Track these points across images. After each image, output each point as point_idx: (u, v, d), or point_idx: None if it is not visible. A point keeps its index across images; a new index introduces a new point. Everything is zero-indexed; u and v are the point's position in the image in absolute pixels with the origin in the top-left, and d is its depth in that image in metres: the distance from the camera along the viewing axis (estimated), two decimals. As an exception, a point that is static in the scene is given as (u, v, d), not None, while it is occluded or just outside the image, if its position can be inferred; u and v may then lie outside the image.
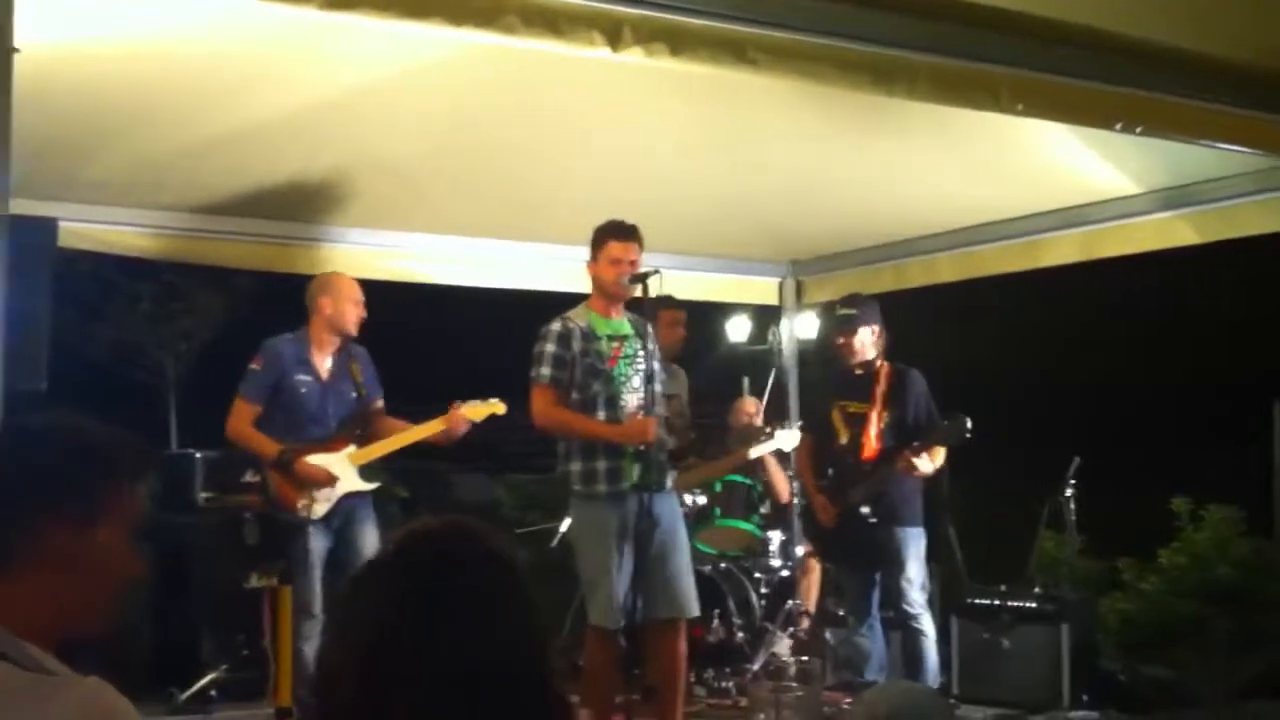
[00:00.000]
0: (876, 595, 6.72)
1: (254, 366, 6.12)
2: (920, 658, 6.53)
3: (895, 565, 6.50)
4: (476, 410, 6.25)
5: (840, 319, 6.64)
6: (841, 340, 6.61)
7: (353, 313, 6.17)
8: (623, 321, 5.77)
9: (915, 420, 6.61)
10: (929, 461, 6.42)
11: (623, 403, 5.64)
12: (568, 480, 5.69)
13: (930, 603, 6.79)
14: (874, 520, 6.48)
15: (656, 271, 5.57)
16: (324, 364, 6.19)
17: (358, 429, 6.21)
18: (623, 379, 5.67)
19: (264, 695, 6.51)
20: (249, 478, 7.51)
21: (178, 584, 7.55)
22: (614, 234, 5.66)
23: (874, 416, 6.57)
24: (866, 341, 6.60)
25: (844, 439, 6.65)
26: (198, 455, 7.78)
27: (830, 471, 6.73)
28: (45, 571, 1.87)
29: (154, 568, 7.55)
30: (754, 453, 7.49)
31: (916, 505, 6.64)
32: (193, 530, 7.61)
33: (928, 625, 6.55)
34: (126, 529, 1.95)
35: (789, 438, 7.34)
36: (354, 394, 6.21)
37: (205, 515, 7.61)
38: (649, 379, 5.60)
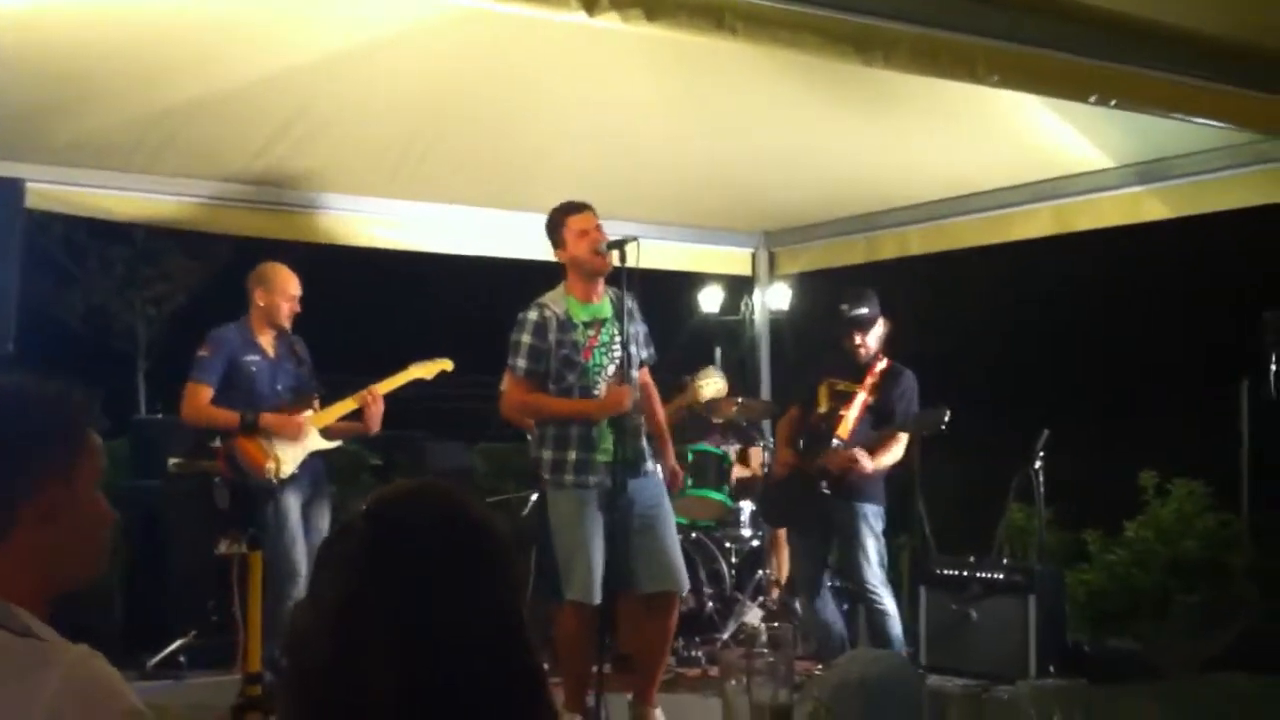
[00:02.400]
0: (826, 570, 6.78)
1: (203, 353, 6.29)
2: (883, 635, 6.54)
3: (850, 540, 6.51)
4: (427, 368, 6.55)
5: (852, 320, 6.58)
6: (858, 341, 6.57)
7: (285, 307, 6.37)
8: (602, 303, 5.72)
9: (892, 412, 6.64)
10: (869, 461, 6.42)
11: (597, 393, 5.63)
12: (538, 467, 5.71)
13: (894, 579, 6.82)
14: (827, 491, 6.46)
15: (635, 239, 5.53)
16: (269, 345, 6.39)
17: (312, 398, 6.39)
18: (597, 370, 5.66)
19: (233, 661, 6.50)
20: (219, 443, 7.50)
21: (147, 549, 7.53)
22: (569, 210, 5.62)
23: (859, 398, 6.56)
24: (878, 336, 6.64)
25: (823, 409, 6.66)
26: (167, 421, 7.74)
27: (804, 438, 6.73)
28: (31, 531, 1.89)
29: (123, 533, 7.53)
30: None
31: (878, 482, 6.64)
32: (162, 496, 7.57)
33: (889, 603, 6.56)
34: (96, 473, 1.97)
35: (710, 387, 7.36)
36: (299, 369, 6.40)
37: (174, 481, 7.55)
38: (624, 364, 5.59)
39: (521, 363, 5.59)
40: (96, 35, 4.69)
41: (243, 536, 6.74)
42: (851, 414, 6.55)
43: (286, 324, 6.38)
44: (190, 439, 7.61)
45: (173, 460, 7.55)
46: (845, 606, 7.15)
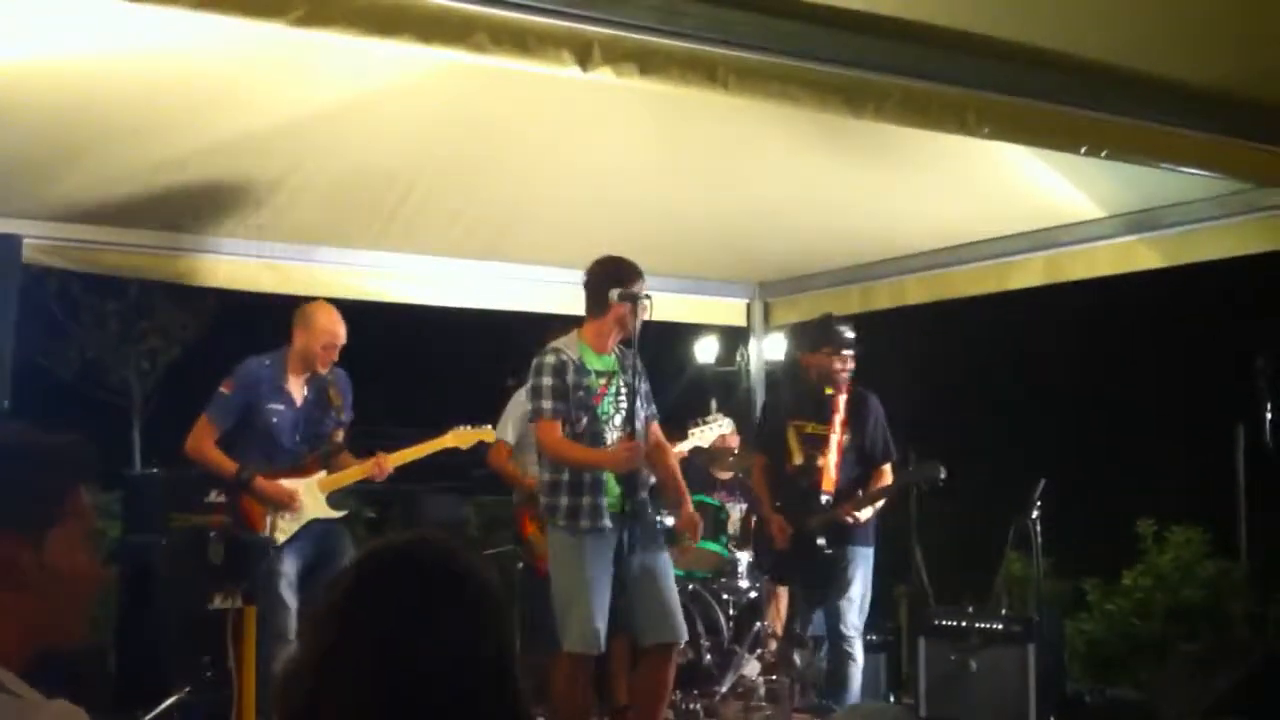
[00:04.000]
0: (818, 617, 6.75)
1: (224, 390, 6.10)
2: (846, 683, 6.52)
3: (844, 586, 6.53)
4: (464, 437, 6.49)
5: (847, 341, 6.55)
6: (845, 367, 6.53)
7: (321, 356, 6.13)
8: (611, 356, 5.76)
9: (872, 446, 6.64)
10: (869, 511, 6.47)
11: (606, 440, 5.64)
12: (553, 513, 5.66)
13: (894, 629, 6.78)
14: (829, 551, 6.47)
15: (648, 296, 5.58)
16: (299, 390, 6.18)
17: (331, 454, 6.21)
18: (606, 417, 5.68)
19: (228, 717, 6.45)
20: (213, 498, 7.47)
21: (141, 604, 7.48)
22: (638, 275, 5.63)
23: (834, 442, 6.51)
24: (849, 365, 6.58)
25: (798, 459, 6.60)
26: (161, 475, 7.70)
27: (784, 495, 6.67)
28: (4, 588, 1.85)
29: (118, 588, 7.49)
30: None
31: (869, 525, 6.64)
32: (156, 550, 7.52)
33: (859, 651, 6.57)
34: (82, 533, 1.92)
35: (707, 434, 7.18)
36: (328, 419, 6.20)
37: (169, 535, 7.52)
38: (630, 418, 5.61)
39: (547, 404, 5.59)
40: (90, 91, 4.72)
41: (237, 591, 6.71)
42: (830, 460, 6.48)
43: (322, 369, 6.16)
44: (186, 493, 7.60)
45: (168, 514, 7.53)
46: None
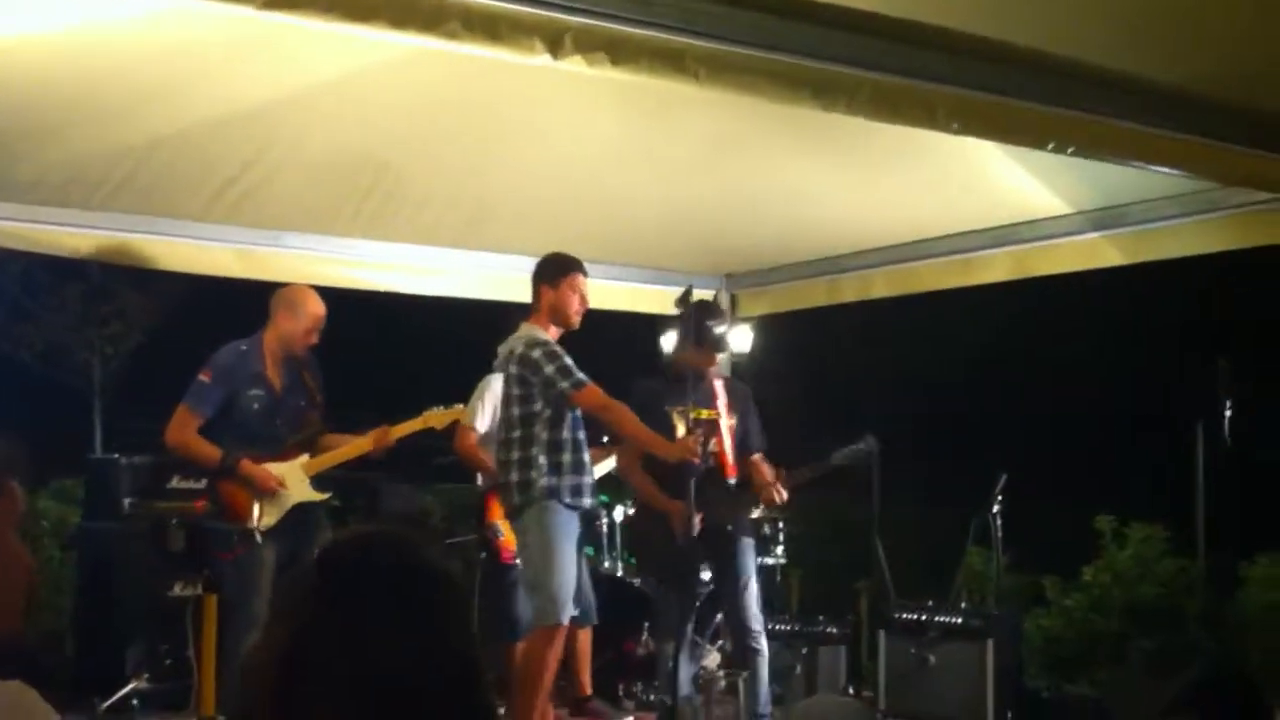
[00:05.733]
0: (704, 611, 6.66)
1: (203, 379, 6.08)
2: (756, 677, 6.41)
3: (737, 579, 6.39)
4: (440, 417, 6.48)
5: (719, 339, 6.38)
6: (718, 359, 6.45)
7: (301, 341, 6.15)
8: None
9: (746, 434, 6.57)
10: (785, 491, 6.40)
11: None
12: (553, 493, 5.85)
13: (854, 622, 6.75)
14: (726, 530, 6.32)
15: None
16: (277, 376, 6.18)
17: (312, 438, 6.20)
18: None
19: (187, 705, 6.43)
20: (176, 484, 7.43)
21: (100, 592, 7.43)
22: (572, 268, 6.05)
23: (725, 428, 6.38)
24: (718, 360, 6.55)
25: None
26: (122, 461, 7.65)
27: (672, 484, 6.19)
28: None
29: (77, 575, 7.45)
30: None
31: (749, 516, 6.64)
32: (116, 537, 7.48)
33: (764, 643, 6.44)
34: (11, 525, 1.93)
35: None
36: (303, 403, 6.18)
37: (129, 522, 7.48)
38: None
39: (581, 375, 5.85)
40: (55, 71, 4.67)
41: (197, 579, 6.68)
42: (727, 446, 6.38)
43: (300, 354, 6.19)
44: (147, 480, 7.55)
45: (129, 500, 7.48)
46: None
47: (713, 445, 6.29)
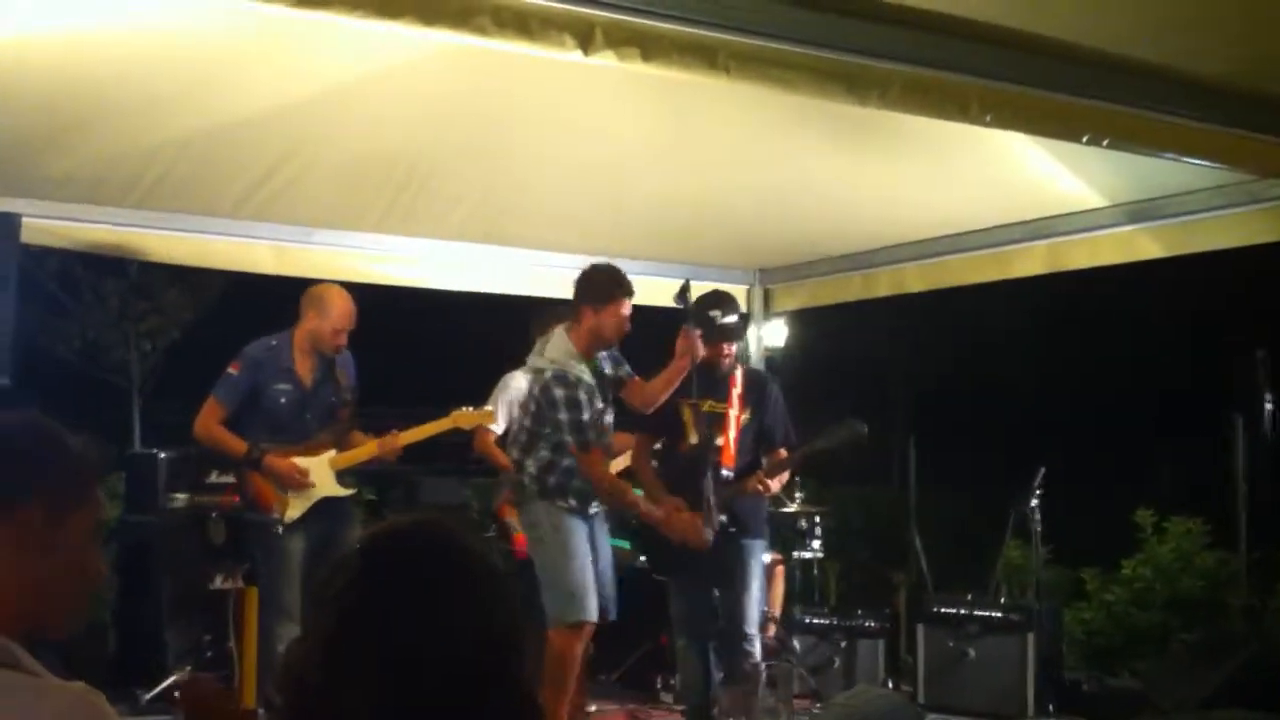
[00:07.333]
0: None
1: (231, 371, 6.13)
2: (750, 687, 6.24)
3: (739, 580, 6.02)
4: (469, 418, 6.46)
5: (724, 329, 6.11)
6: (726, 352, 6.13)
7: (330, 340, 6.17)
8: (595, 359, 6.03)
9: (771, 428, 6.26)
10: (779, 482, 6.24)
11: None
12: (562, 493, 5.90)
13: (892, 615, 6.67)
14: (732, 530, 5.98)
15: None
16: (307, 371, 6.21)
17: (341, 433, 6.23)
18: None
19: (227, 698, 6.46)
20: (215, 478, 7.49)
21: (141, 585, 7.51)
22: (627, 289, 5.92)
23: (733, 419, 6.15)
24: (732, 352, 6.25)
25: (694, 438, 6.06)
26: (161, 455, 7.71)
27: (677, 476, 6.11)
28: (14, 555, 1.87)
29: (118, 568, 7.51)
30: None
31: (762, 515, 6.29)
32: (157, 530, 7.56)
33: (759, 652, 6.04)
34: (91, 525, 1.95)
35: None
36: (335, 398, 6.22)
37: (169, 516, 7.56)
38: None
39: (590, 436, 5.87)
40: (91, 69, 4.69)
41: (238, 571, 6.72)
42: (731, 438, 6.10)
43: (329, 353, 6.20)
44: (187, 474, 7.62)
45: (168, 494, 7.55)
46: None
47: (718, 439, 6.12)
